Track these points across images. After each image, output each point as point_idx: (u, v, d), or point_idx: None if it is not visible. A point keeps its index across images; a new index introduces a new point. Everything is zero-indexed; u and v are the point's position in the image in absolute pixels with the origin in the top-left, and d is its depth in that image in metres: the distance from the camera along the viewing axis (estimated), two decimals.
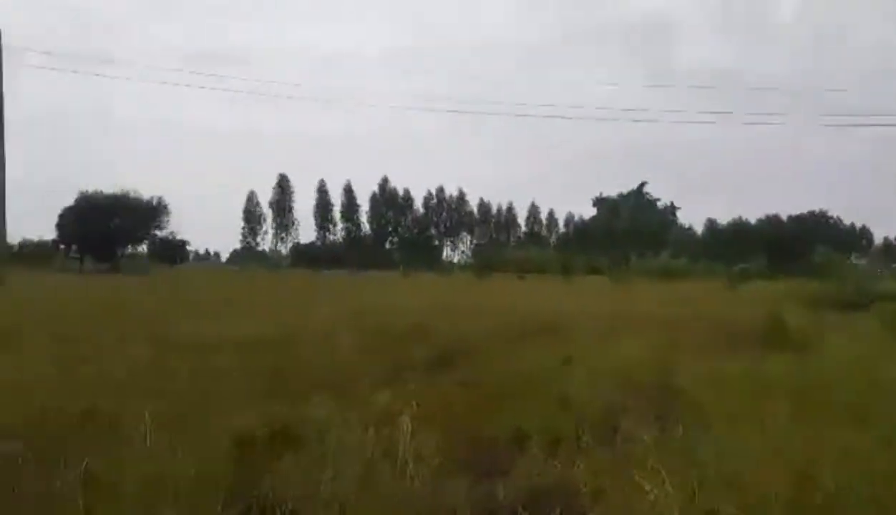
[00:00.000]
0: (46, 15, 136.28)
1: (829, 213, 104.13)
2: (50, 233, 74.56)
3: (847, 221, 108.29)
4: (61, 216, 72.96)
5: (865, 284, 24.41)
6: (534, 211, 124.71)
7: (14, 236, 48.49)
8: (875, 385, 7.09)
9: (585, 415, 5.89)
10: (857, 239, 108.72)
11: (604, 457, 4.78)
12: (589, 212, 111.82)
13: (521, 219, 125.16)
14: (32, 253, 64.01)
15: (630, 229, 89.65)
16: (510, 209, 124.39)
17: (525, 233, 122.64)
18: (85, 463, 3.74)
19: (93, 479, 3.71)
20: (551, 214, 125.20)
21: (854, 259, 74.44)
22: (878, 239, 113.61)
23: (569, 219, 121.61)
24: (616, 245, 79.57)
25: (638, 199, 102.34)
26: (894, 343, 10.85)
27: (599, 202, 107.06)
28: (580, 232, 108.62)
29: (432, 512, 3.88)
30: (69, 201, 73.00)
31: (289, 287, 27.49)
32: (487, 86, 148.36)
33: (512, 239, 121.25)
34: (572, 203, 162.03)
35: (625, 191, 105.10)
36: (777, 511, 3.66)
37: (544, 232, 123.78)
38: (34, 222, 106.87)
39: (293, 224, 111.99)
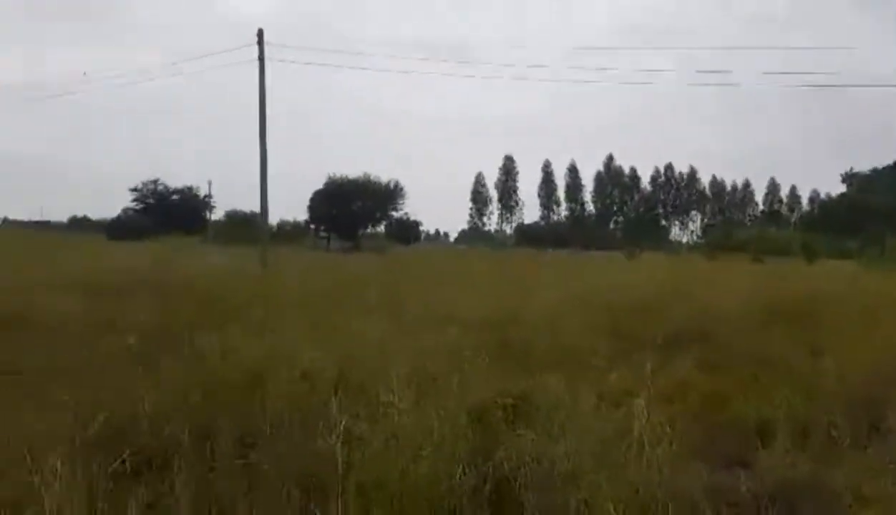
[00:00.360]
0: (295, 14, 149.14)
1: None
2: (302, 214, 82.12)
3: None
4: (312, 199, 79.93)
5: None
6: (773, 188, 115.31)
7: (273, 217, 53.98)
8: None
9: (837, 408, 5.40)
10: None
11: (863, 456, 4.36)
12: (838, 189, 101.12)
13: (759, 197, 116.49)
14: (288, 232, 70.77)
15: (887, 208, 79.26)
16: (746, 186, 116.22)
17: (762, 212, 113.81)
18: (342, 424, 4.10)
19: (350, 439, 4.07)
20: (793, 191, 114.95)
21: None
22: None
23: (814, 197, 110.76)
24: (870, 225, 70.82)
25: None
26: None
27: (850, 178, 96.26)
28: (826, 210, 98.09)
29: (670, 498, 3.76)
30: (319, 185, 80.00)
31: (514, 265, 27.97)
32: (717, 58, 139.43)
33: (747, 218, 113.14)
34: (819, 180, 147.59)
35: (880, 165, 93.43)
36: None
37: (785, 210, 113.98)
38: (289, 204, 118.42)
39: (518, 204, 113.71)
